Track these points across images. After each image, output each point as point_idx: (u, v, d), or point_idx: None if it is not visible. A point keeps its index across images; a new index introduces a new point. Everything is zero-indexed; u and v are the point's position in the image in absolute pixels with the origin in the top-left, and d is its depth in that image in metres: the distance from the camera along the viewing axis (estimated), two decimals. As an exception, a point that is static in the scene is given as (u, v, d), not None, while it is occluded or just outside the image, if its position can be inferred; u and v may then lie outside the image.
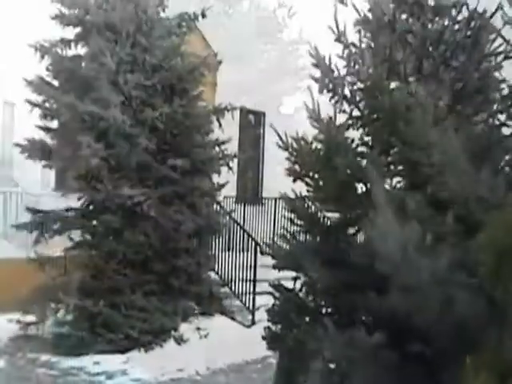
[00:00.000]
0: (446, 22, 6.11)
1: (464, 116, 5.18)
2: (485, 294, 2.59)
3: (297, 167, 5.89)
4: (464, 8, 6.09)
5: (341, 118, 6.20)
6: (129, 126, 10.12)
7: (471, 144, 4.46)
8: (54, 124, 10.71)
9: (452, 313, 2.38)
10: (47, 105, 10.52)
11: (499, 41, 5.67)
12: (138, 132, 10.16)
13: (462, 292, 2.46)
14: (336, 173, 5.41)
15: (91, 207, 10.68)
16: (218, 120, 11.48)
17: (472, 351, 2.15)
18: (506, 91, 5.62)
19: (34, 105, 10.47)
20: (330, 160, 5.47)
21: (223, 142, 11.41)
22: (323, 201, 5.92)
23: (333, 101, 6.24)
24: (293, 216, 6.06)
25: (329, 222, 6.03)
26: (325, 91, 6.21)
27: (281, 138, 5.96)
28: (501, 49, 5.69)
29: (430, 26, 6.10)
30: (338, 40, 6.29)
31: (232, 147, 11.85)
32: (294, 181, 5.96)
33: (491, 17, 5.76)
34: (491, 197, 3.49)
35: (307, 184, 5.88)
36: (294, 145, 5.84)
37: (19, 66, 11.06)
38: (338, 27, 6.31)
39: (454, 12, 6.15)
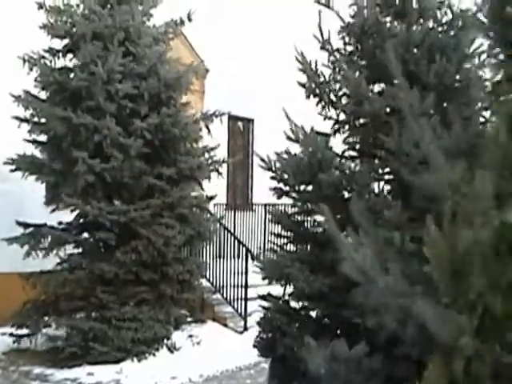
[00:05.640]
0: (431, 24, 6.15)
1: (448, 117, 5.19)
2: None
3: (282, 185, 5.91)
4: (448, 9, 6.14)
5: (327, 124, 6.24)
6: (123, 137, 10.05)
7: (455, 144, 4.47)
8: (43, 138, 10.61)
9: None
10: (35, 119, 10.44)
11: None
12: (131, 142, 10.06)
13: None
14: (321, 187, 5.43)
15: (82, 221, 10.63)
16: (206, 126, 11.44)
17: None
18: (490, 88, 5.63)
19: (22, 120, 10.37)
20: (314, 175, 5.49)
21: (212, 149, 11.38)
22: (309, 213, 5.94)
23: (319, 106, 6.28)
24: (279, 227, 6.09)
25: (316, 230, 6.05)
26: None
27: (263, 160, 5.98)
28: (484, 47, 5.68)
29: (414, 27, 6.13)
30: (322, 48, 6.32)
31: (221, 154, 11.86)
32: (279, 198, 5.98)
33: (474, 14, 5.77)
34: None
35: (294, 198, 5.90)
36: (277, 163, 5.86)
37: (4, 80, 11.03)
38: (322, 35, 6.34)
39: (438, 14, 6.20)
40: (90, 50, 10.20)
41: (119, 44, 10.39)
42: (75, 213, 10.57)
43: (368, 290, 2.34)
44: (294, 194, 5.89)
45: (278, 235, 6.17)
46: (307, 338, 3.32)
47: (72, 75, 10.58)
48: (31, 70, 10.45)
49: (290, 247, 6.19)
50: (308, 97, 6.29)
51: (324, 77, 6.28)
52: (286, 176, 5.82)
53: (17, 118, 10.32)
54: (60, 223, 10.61)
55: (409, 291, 2.16)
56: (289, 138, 5.90)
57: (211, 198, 11.62)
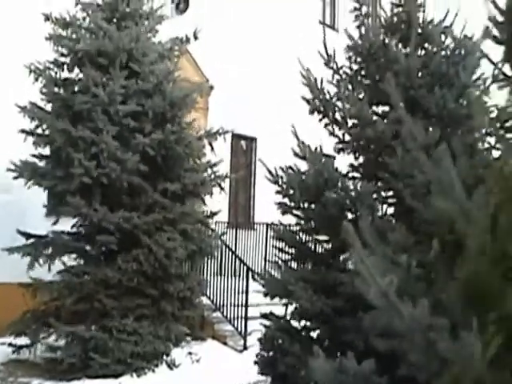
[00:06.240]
0: (435, 49, 6.19)
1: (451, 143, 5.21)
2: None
3: (287, 200, 5.92)
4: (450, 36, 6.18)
5: (331, 142, 6.25)
6: (121, 152, 10.05)
7: (459, 170, 4.48)
8: (46, 151, 10.65)
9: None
10: (39, 131, 10.47)
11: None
12: (129, 156, 10.05)
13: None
14: (326, 206, 5.44)
15: (84, 230, 10.67)
16: (210, 144, 11.48)
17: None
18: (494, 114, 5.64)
19: (27, 133, 10.40)
20: (319, 194, 5.50)
21: (215, 164, 11.40)
22: (313, 231, 5.95)
23: (323, 122, 6.29)
24: (282, 245, 6.09)
25: (319, 249, 6.06)
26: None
27: (270, 172, 5.99)
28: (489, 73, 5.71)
29: (418, 52, 6.18)
30: (327, 65, 6.36)
31: (224, 171, 11.89)
32: (284, 214, 5.98)
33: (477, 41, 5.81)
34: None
35: (298, 216, 5.90)
36: (284, 178, 5.88)
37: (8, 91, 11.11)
38: (327, 52, 6.38)
39: (443, 39, 6.24)
40: (91, 75, 10.26)
41: (124, 61, 10.44)
42: (76, 222, 10.62)
43: (388, 316, 2.35)
44: (298, 212, 5.89)
45: (281, 250, 6.17)
46: (316, 348, 3.33)
47: (76, 89, 10.63)
48: (36, 80, 10.49)
49: (293, 265, 6.20)
50: (312, 112, 6.30)
51: (329, 94, 6.30)
52: (291, 191, 5.84)
53: (23, 131, 10.37)
54: (62, 232, 10.63)
55: (434, 323, 2.17)
56: (296, 155, 5.92)
57: (214, 214, 11.65)
